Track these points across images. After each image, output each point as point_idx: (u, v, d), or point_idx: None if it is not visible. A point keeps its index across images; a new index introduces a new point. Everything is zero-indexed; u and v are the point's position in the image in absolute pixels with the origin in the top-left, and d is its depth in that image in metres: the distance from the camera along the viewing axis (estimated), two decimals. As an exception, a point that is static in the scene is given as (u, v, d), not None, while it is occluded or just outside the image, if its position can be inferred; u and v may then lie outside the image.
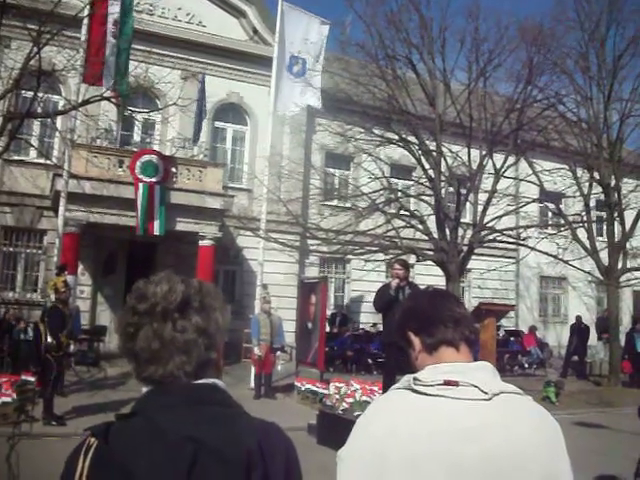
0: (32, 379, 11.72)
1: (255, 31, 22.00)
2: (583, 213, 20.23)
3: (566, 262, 19.64)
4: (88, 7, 14.67)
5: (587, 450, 8.66)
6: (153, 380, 1.51)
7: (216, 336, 1.58)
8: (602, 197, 20.70)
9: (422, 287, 2.12)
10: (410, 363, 1.92)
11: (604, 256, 19.82)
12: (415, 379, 1.72)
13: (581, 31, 20.02)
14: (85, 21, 15.25)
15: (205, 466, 1.38)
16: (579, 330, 21.28)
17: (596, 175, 20.03)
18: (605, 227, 20.96)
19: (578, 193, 20.35)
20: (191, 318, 1.53)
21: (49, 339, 10.59)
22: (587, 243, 19.74)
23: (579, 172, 20.32)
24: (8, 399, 10.80)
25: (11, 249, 18.77)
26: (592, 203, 20.92)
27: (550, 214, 23.21)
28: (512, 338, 22.38)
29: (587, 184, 20.38)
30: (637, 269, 20.29)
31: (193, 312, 1.54)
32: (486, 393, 1.64)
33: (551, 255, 19.65)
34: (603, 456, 8.95)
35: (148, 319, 1.52)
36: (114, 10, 15.58)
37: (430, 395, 1.68)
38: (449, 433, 1.61)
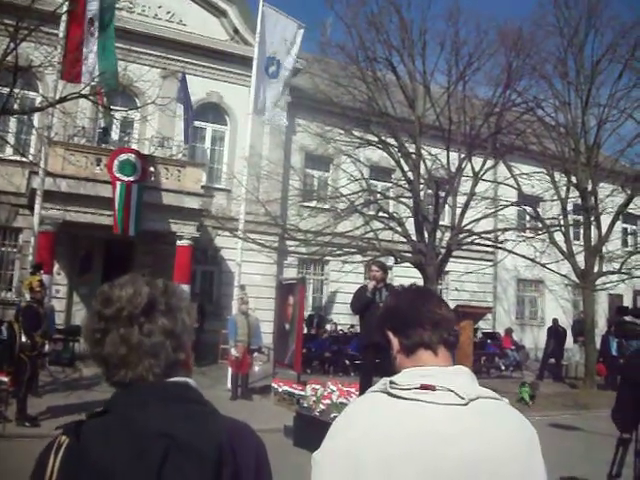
0: (5, 379, 11.51)
1: (236, 31, 21.93)
2: (560, 217, 20.40)
3: (543, 265, 19.78)
4: (67, 3, 14.49)
5: (562, 452, 8.72)
6: (123, 383, 1.51)
7: (183, 336, 1.58)
8: (579, 201, 20.89)
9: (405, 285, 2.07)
10: (387, 365, 1.90)
11: (580, 260, 20.00)
12: (392, 382, 1.71)
13: (560, 36, 20.21)
14: (64, 17, 15.08)
15: (177, 461, 1.38)
16: (556, 333, 21.46)
17: (573, 179, 20.22)
18: (582, 231, 21.14)
19: (556, 197, 20.52)
20: (157, 321, 1.53)
21: (23, 339, 10.45)
22: (564, 246, 19.90)
23: (557, 176, 20.49)
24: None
25: (-15, 247, 18.54)
26: (569, 207, 21.11)
27: (528, 217, 23.40)
28: (489, 340, 22.50)
29: (564, 188, 20.56)
30: (613, 272, 20.49)
31: (159, 315, 1.54)
32: (463, 398, 1.63)
33: (528, 258, 19.79)
34: (577, 458, 9.02)
35: (114, 324, 1.51)
36: (91, 7, 15.42)
37: (406, 399, 1.66)
38: (425, 437, 1.59)
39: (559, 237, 20.08)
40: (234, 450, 1.44)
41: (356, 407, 1.81)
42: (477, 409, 1.63)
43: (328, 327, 21.21)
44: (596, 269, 20.06)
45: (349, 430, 1.68)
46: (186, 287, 17.53)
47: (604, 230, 20.14)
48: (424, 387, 1.66)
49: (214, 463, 1.40)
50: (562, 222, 20.24)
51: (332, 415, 9.83)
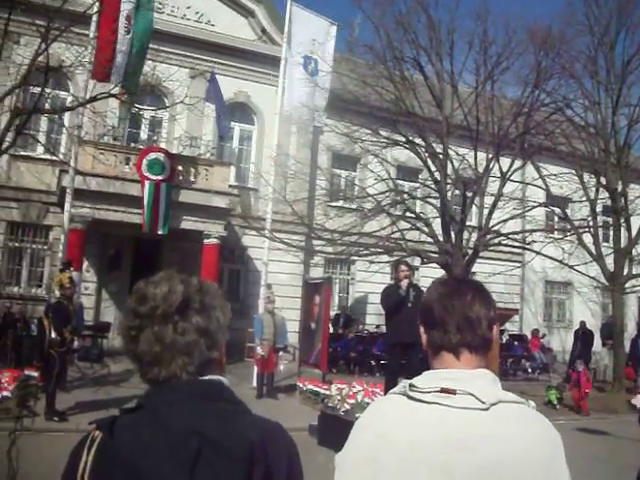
0: (35, 374, 11.74)
1: (264, 31, 22.02)
2: (589, 218, 20.16)
3: (571, 267, 19.58)
4: (97, 4, 14.67)
5: (589, 457, 8.64)
6: (157, 381, 1.53)
7: (217, 335, 1.59)
8: (609, 202, 20.63)
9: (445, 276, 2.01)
10: (413, 365, 1.90)
11: (610, 262, 19.74)
12: (411, 385, 1.69)
13: (590, 35, 19.96)
14: (94, 18, 15.28)
15: (209, 460, 1.39)
16: (583, 335, 21.22)
17: (603, 180, 19.96)
18: (611, 232, 20.89)
19: (585, 198, 20.28)
20: (191, 319, 1.54)
21: (53, 335, 10.61)
22: (593, 248, 19.67)
23: (586, 177, 20.25)
24: (10, 394, 10.85)
25: (17, 244, 18.83)
26: (599, 208, 20.85)
27: (556, 218, 23.13)
28: (516, 342, 22.32)
29: (594, 189, 20.31)
30: (643, 275, 20.20)
31: (193, 313, 1.55)
32: (483, 402, 1.60)
33: (556, 260, 19.60)
34: (605, 463, 8.92)
35: (149, 322, 1.52)
36: (126, 7, 15.61)
37: (426, 402, 1.64)
38: (443, 442, 1.57)
39: (588, 239, 19.84)
40: (266, 449, 1.45)
41: (376, 410, 1.80)
42: (498, 413, 1.59)
43: (360, 327, 21.26)
44: (626, 271, 19.78)
45: (369, 433, 1.68)
46: (213, 285, 17.65)
47: (634, 232, 19.86)
48: (444, 391, 1.63)
49: (245, 462, 1.41)
50: (591, 223, 20.01)
51: (357, 415, 9.83)
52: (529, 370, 21.40)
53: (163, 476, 1.38)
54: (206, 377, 1.54)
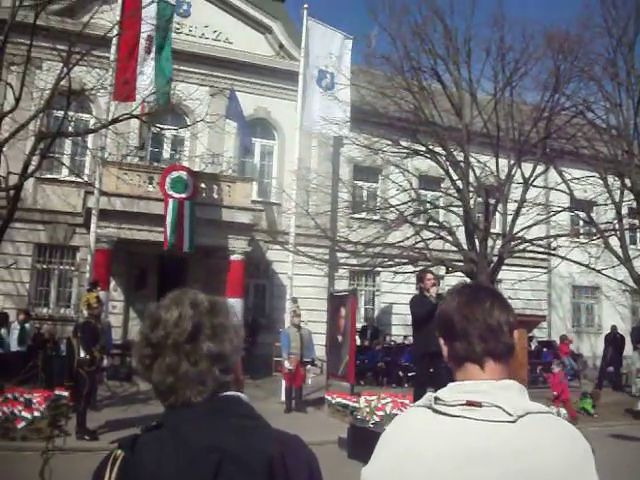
0: (65, 394, 11.86)
1: (281, 46, 22.18)
2: (615, 221, 19.93)
3: (598, 271, 19.35)
4: (117, 27, 14.90)
5: (622, 464, 8.51)
6: (175, 406, 1.53)
7: (231, 358, 1.58)
8: (634, 204, 20.37)
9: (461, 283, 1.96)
10: (441, 376, 1.88)
11: (638, 264, 19.48)
12: (437, 398, 1.66)
13: (609, 37, 19.78)
14: (114, 41, 15.52)
15: (229, 474, 1.40)
16: (614, 340, 20.92)
17: (627, 182, 19.72)
18: (638, 235, 20.63)
19: (609, 201, 20.05)
20: (203, 346, 1.53)
21: (82, 354, 10.71)
22: (620, 251, 19.42)
23: (610, 179, 20.02)
24: (42, 414, 10.96)
25: (44, 266, 19.07)
26: (624, 211, 20.58)
27: (581, 223, 22.90)
28: (545, 349, 22.07)
29: (618, 191, 20.07)
30: (672, 277, 19.90)
31: (205, 339, 1.53)
32: (510, 414, 1.56)
33: (583, 264, 19.38)
34: (637, 471, 8.77)
35: (161, 351, 1.52)
36: (146, 29, 15.88)
37: (451, 416, 1.62)
38: (470, 457, 1.54)
39: (614, 242, 19.59)
40: (285, 463, 1.45)
41: (401, 423, 1.77)
42: (526, 425, 1.56)
43: (386, 338, 21.22)
44: (654, 274, 19.52)
45: (395, 446, 1.66)
46: (239, 301, 17.75)
47: (662, 233, 19.63)
48: (470, 403, 1.60)
49: (265, 476, 1.41)
50: (617, 226, 19.76)
51: (386, 427, 9.80)
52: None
53: None
54: (225, 393, 1.54)
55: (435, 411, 1.65)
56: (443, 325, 1.78)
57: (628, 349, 21.33)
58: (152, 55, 16.41)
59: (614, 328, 21.38)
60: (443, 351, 1.79)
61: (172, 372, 1.50)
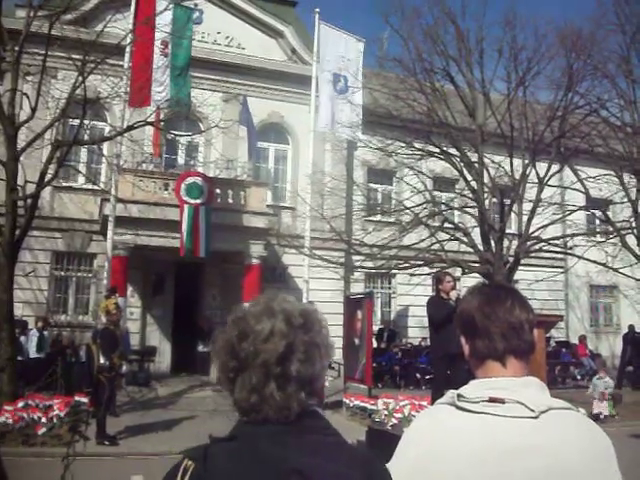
0: (85, 400, 11.97)
1: (293, 51, 22.25)
2: (632, 219, 19.80)
3: (616, 270, 19.22)
4: (130, 35, 15.02)
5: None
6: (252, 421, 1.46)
7: (320, 379, 1.51)
8: (651, 202, 20.25)
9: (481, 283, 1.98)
10: (459, 377, 1.89)
11: (655, 262, 19.35)
12: (459, 395, 1.69)
13: (622, 34, 19.68)
14: (128, 49, 15.66)
15: None
16: (633, 339, 20.76)
17: (644, 180, 19.62)
18: (656, 233, 20.45)
19: (626, 199, 19.93)
20: (293, 370, 1.43)
21: (102, 360, 10.80)
22: (637, 250, 19.30)
23: (626, 177, 19.90)
24: (62, 420, 11.06)
25: (62, 273, 19.22)
26: (641, 209, 20.47)
27: (597, 221, 22.76)
28: (563, 349, 21.96)
29: (635, 189, 19.95)
30: (690, 275, 19.74)
31: (296, 361, 1.44)
32: (533, 410, 1.58)
33: (600, 263, 19.26)
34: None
35: (246, 367, 1.44)
36: (161, 36, 16.04)
37: (474, 412, 1.64)
38: (494, 453, 1.57)
39: (632, 240, 19.47)
40: None
41: (424, 420, 1.80)
42: (548, 421, 1.58)
43: (403, 340, 21.22)
44: (672, 272, 19.38)
45: (418, 444, 1.69)
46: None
47: (679, 231, 19.44)
48: (493, 400, 1.62)
49: None
50: (634, 224, 19.65)
51: (404, 429, 9.79)
52: (578, 377, 21.03)
53: None
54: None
55: (458, 408, 1.68)
56: (464, 323, 1.80)
57: (647, 348, 21.16)
58: (167, 62, 16.54)
59: (632, 327, 21.22)
60: (464, 349, 1.81)
61: (257, 393, 1.42)
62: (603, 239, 20.28)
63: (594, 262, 19.22)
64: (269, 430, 1.41)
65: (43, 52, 13.08)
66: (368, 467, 1.43)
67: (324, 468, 1.35)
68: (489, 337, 1.73)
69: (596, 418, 13.85)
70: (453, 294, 8.82)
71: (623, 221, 20.06)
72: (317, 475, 1.34)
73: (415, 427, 1.79)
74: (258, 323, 1.46)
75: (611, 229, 20.00)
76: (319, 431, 1.44)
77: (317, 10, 19.48)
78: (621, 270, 19.14)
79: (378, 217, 21.07)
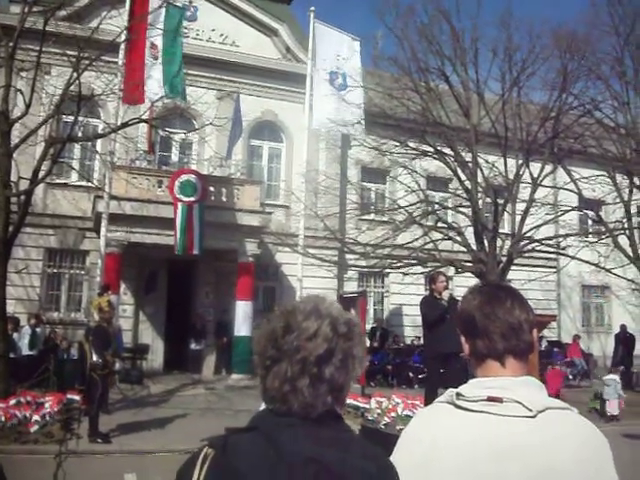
0: (77, 397, 11.93)
1: (288, 49, 22.23)
2: (624, 220, 19.88)
3: (608, 270, 19.29)
4: (125, 32, 14.98)
5: (636, 462, 8.49)
6: (273, 411, 1.50)
7: (348, 388, 1.54)
8: (643, 203, 20.35)
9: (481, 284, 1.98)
10: (452, 377, 1.90)
11: (647, 263, 19.44)
12: (458, 394, 1.70)
13: (616, 35, 19.75)
14: (122, 46, 15.61)
15: None
16: (624, 339, 20.86)
17: (636, 181, 19.69)
18: (647, 234, 20.54)
19: (618, 200, 20.02)
20: (327, 373, 1.47)
21: (94, 358, 10.77)
22: (629, 250, 19.38)
23: (619, 178, 19.98)
24: (54, 418, 11.04)
25: (55, 270, 19.18)
26: (633, 209, 20.54)
27: (590, 222, 22.84)
28: (555, 349, 22.01)
29: (627, 190, 20.04)
30: (682, 276, 19.84)
31: (332, 367, 1.48)
32: (530, 410, 1.60)
33: (592, 264, 19.33)
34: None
35: (286, 360, 1.47)
36: (152, 33, 16.00)
37: (473, 411, 1.65)
38: (492, 451, 1.58)
39: (624, 241, 19.56)
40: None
41: (424, 418, 1.81)
42: (545, 420, 1.60)
43: (396, 339, 21.23)
44: (664, 272, 19.47)
45: (417, 441, 1.70)
46: (249, 304, 17.79)
47: (671, 232, 19.55)
48: (491, 399, 1.64)
49: None
50: (626, 225, 19.73)
51: (398, 428, 9.82)
52: (570, 377, 21.09)
53: None
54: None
55: (457, 407, 1.69)
56: (464, 323, 1.81)
57: (638, 348, 21.28)
58: (160, 59, 16.50)
59: (624, 327, 21.31)
60: (464, 348, 1.82)
61: (291, 384, 1.45)
62: (595, 239, 20.35)
63: (586, 262, 19.28)
64: (290, 422, 1.44)
65: (37, 48, 13.01)
66: (380, 461, 1.46)
67: (341, 458, 1.39)
68: (489, 337, 1.74)
69: (611, 418, 14.02)
70: (445, 294, 8.84)
71: (615, 222, 20.16)
72: (334, 465, 1.38)
73: (415, 425, 1.80)
74: (305, 321, 1.50)
75: (603, 229, 20.08)
76: (335, 426, 1.48)
77: (312, 8, 19.48)
78: (613, 270, 19.22)
79: (372, 216, 21.08)
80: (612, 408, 14.50)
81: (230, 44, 21.48)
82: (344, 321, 1.53)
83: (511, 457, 1.57)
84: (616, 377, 15.43)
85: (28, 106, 12.90)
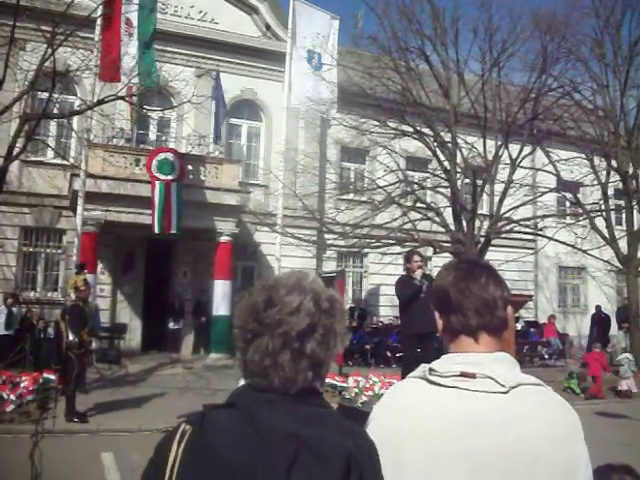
0: (54, 377, 11.86)
1: (268, 27, 22.01)
2: (601, 202, 20.08)
3: (585, 252, 19.51)
4: (101, 7, 14.73)
5: (608, 440, 8.64)
6: (252, 387, 1.49)
7: (329, 364, 1.54)
8: (620, 185, 20.54)
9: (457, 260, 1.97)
10: (429, 355, 1.89)
11: (623, 245, 19.67)
12: (431, 369, 1.70)
13: (596, 18, 19.84)
14: (98, 21, 15.36)
15: (305, 464, 1.35)
16: (599, 320, 21.15)
17: (614, 163, 19.87)
18: (624, 215, 20.78)
19: (596, 182, 20.20)
20: (309, 347, 1.47)
21: (70, 337, 10.68)
22: (606, 232, 19.60)
23: (596, 160, 20.16)
24: (30, 397, 10.98)
25: (31, 249, 18.96)
26: (610, 192, 20.75)
27: (568, 203, 23.02)
28: (532, 329, 22.27)
29: (605, 172, 20.22)
30: (657, 257, 20.09)
31: (313, 341, 1.47)
32: (503, 386, 1.60)
33: (569, 245, 19.53)
34: (624, 446, 8.90)
35: (268, 334, 1.47)
36: (127, 9, 15.74)
37: (445, 386, 1.65)
38: (464, 427, 1.58)
39: (600, 222, 19.77)
40: (358, 457, 1.41)
41: (396, 393, 1.81)
42: (518, 396, 1.60)
43: (374, 319, 21.36)
44: (639, 254, 19.70)
45: (389, 416, 1.70)
46: (227, 283, 17.75)
47: (647, 214, 19.79)
48: (464, 374, 1.64)
49: (343, 470, 1.37)
50: (603, 207, 19.93)
51: (374, 405, 9.87)
52: (545, 356, 21.36)
53: (256, 475, 1.35)
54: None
55: (429, 382, 1.69)
56: (439, 299, 1.80)
57: (614, 329, 21.59)
58: (135, 36, 16.26)
59: (599, 308, 21.60)
60: (438, 324, 1.81)
61: (271, 358, 1.45)
62: (573, 221, 20.58)
63: (563, 243, 19.48)
64: (269, 398, 1.44)
65: (11, 23, 12.73)
66: (358, 438, 1.46)
67: (320, 434, 1.39)
68: (462, 312, 1.73)
69: (626, 395, 14.69)
70: (419, 273, 8.80)
71: (593, 203, 20.37)
72: (313, 440, 1.37)
73: (386, 400, 1.80)
74: (288, 295, 1.49)
75: (581, 211, 20.28)
76: (313, 402, 1.48)
77: (292, -14, 19.30)
78: (590, 252, 19.44)
79: (351, 196, 21.08)
80: (629, 385, 14.92)
81: (209, 21, 21.21)
82: (327, 297, 1.52)
83: (482, 432, 1.57)
84: (629, 355, 15.80)
85: (1, 82, 12.63)
